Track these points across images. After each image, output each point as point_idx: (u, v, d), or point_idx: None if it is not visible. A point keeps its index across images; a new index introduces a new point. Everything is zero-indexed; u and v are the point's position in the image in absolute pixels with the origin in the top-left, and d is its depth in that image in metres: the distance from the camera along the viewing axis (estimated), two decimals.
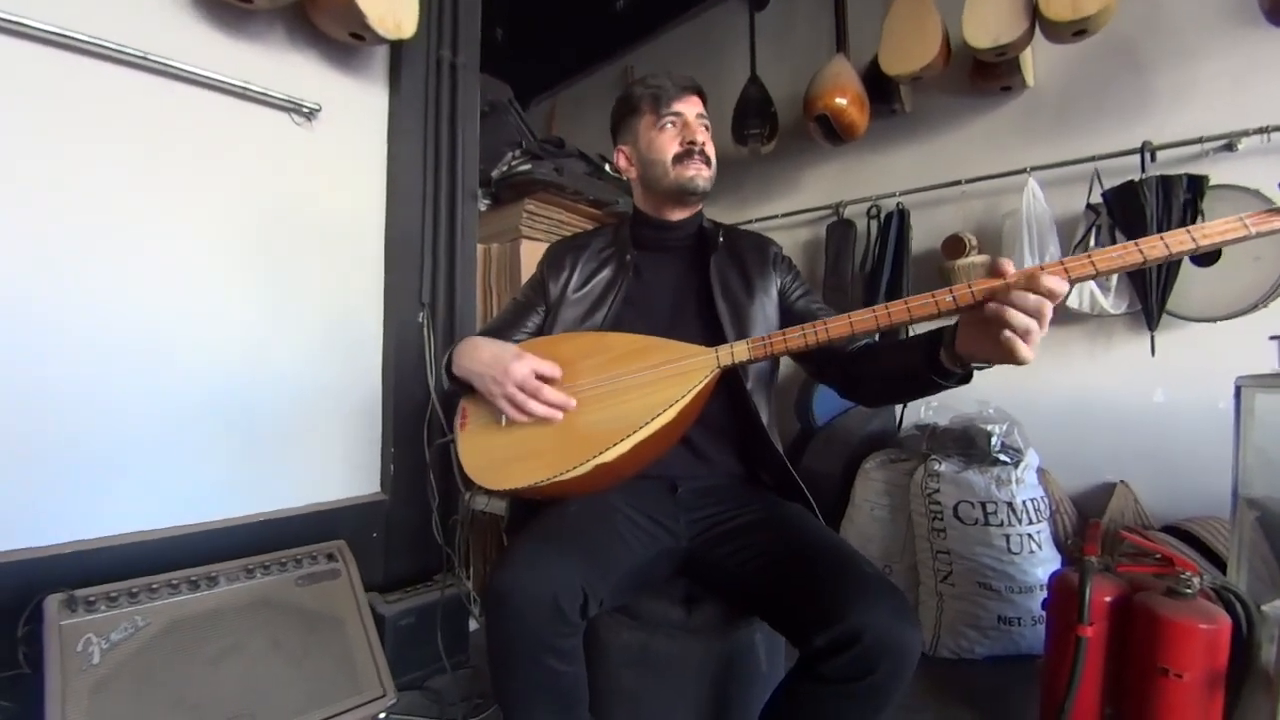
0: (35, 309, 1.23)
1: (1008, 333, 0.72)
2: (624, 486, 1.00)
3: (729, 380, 1.04)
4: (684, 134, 1.10)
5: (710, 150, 1.11)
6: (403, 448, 1.72)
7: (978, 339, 0.77)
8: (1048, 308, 0.71)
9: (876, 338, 1.03)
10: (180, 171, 1.40)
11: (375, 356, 1.74)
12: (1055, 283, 0.70)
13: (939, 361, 0.83)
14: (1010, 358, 0.73)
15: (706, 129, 1.12)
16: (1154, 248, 0.68)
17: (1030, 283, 0.71)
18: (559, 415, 0.94)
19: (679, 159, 1.09)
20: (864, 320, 0.81)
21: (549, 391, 0.94)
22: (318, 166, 1.61)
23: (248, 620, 1.26)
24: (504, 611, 0.78)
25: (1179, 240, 0.67)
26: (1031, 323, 0.71)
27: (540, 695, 0.82)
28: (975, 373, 0.83)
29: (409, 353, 1.73)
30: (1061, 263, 0.72)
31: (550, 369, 0.96)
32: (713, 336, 1.07)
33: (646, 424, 0.88)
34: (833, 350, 1.04)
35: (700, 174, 1.10)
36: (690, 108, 1.11)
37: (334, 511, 1.60)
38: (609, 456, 0.88)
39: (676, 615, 1.01)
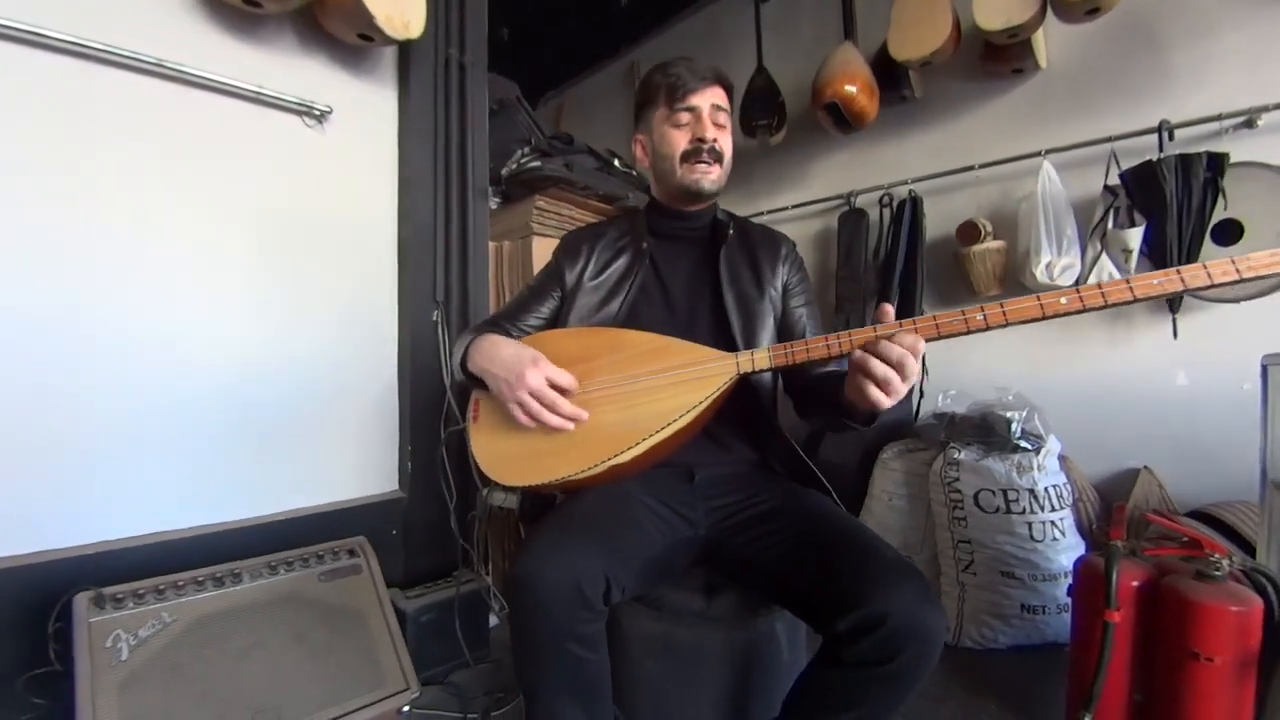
0: (58, 315, 1.25)
1: (864, 379, 0.78)
2: (641, 475, 1.00)
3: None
4: (695, 129, 1.06)
5: (724, 145, 1.08)
6: (420, 445, 1.73)
7: (851, 384, 0.83)
8: (910, 360, 0.76)
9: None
10: (196, 175, 1.42)
11: (391, 355, 1.75)
12: (911, 339, 0.76)
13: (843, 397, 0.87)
14: (870, 404, 0.80)
15: (723, 124, 1.08)
16: (1196, 276, 0.69)
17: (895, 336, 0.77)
18: (570, 426, 0.92)
19: (686, 157, 1.06)
20: (889, 331, 0.82)
21: (564, 404, 0.92)
22: (330, 168, 1.63)
23: (272, 616, 1.28)
24: (526, 599, 0.79)
25: (1223, 271, 0.68)
26: (889, 372, 0.77)
27: (563, 683, 0.82)
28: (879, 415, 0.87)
29: (424, 351, 1.74)
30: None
31: (566, 380, 0.93)
32: (724, 329, 1.07)
33: (663, 429, 0.88)
34: (802, 369, 1.03)
35: (706, 176, 1.07)
36: (706, 100, 1.06)
37: (353, 510, 1.62)
38: (623, 459, 0.88)
39: (698, 605, 1.01)
